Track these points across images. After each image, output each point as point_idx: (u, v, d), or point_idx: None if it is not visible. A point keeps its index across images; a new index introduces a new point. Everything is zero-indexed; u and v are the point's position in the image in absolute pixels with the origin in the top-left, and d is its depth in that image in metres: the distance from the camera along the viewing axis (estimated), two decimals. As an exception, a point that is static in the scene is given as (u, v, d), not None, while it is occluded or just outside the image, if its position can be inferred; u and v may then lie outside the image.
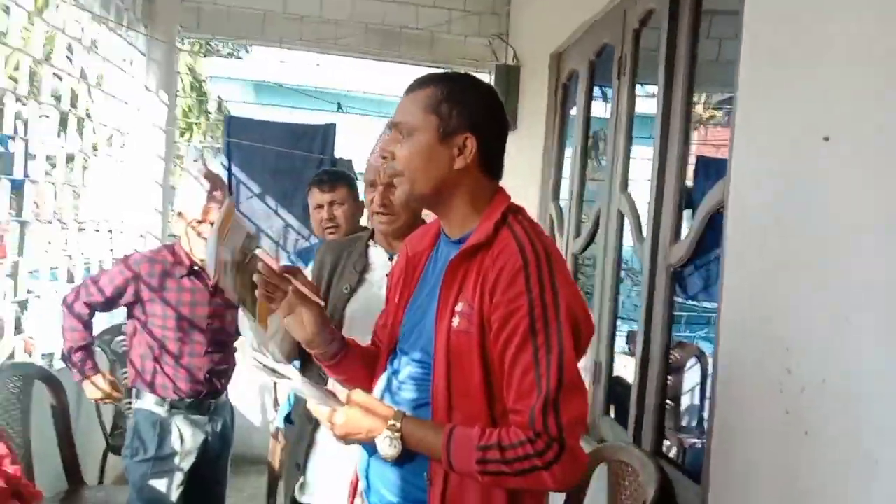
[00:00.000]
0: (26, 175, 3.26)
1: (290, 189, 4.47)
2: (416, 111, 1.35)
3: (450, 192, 1.37)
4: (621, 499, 2.22)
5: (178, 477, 2.60)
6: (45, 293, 3.34)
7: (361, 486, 1.47)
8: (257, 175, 4.48)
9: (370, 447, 1.37)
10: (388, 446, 1.29)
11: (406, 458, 1.31)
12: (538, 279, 1.25)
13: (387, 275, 1.65)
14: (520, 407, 1.24)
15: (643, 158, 2.85)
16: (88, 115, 3.75)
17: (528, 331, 1.23)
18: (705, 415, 4.59)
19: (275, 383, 4.03)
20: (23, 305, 3.26)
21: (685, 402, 4.56)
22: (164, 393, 2.61)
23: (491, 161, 1.38)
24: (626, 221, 2.64)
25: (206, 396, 2.67)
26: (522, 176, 3.75)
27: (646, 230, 2.40)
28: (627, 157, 2.66)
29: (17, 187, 3.49)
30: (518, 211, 1.38)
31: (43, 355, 3.27)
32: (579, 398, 1.25)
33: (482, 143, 1.35)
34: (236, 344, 2.84)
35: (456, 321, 1.31)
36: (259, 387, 4.48)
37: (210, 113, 8.57)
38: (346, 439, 1.34)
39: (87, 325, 2.68)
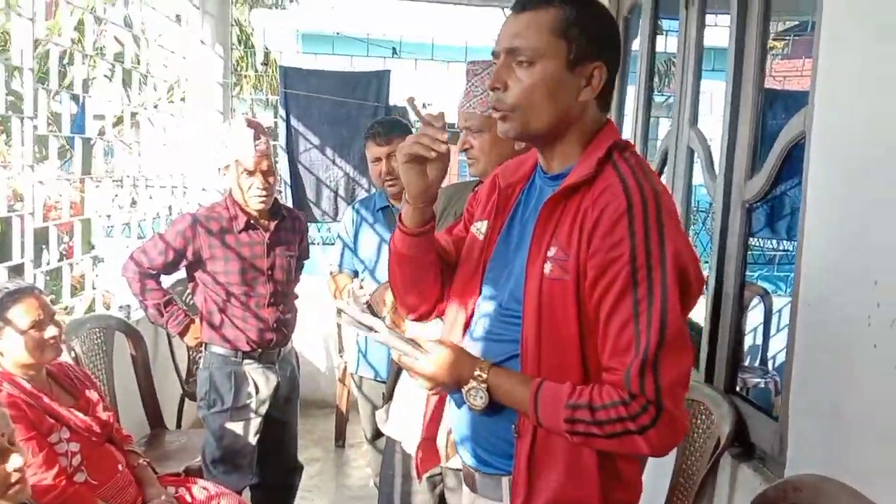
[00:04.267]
0: (94, 133, 3.33)
1: (347, 138, 4.47)
2: (540, 35, 1.17)
3: (565, 127, 1.22)
4: (694, 437, 2.22)
5: (255, 424, 2.66)
6: (116, 249, 3.43)
7: (453, 435, 1.41)
8: (314, 125, 4.48)
9: (458, 397, 1.30)
10: (474, 397, 1.22)
11: (494, 409, 1.23)
12: (643, 223, 1.10)
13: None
14: (615, 364, 1.12)
15: (705, 92, 2.77)
16: (149, 72, 3.79)
17: (628, 280, 1.10)
18: (769, 355, 4.54)
19: (338, 331, 4.15)
20: (95, 260, 3.36)
21: (747, 342, 4.48)
22: (235, 344, 2.63)
23: (607, 92, 1.23)
24: (696, 158, 2.58)
25: (275, 345, 2.71)
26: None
27: (718, 166, 2.34)
28: (697, 92, 2.57)
29: (86, 146, 3.58)
30: (625, 147, 1.23)
31: (120, 307, 3.38)
32: (682, 357, 1.12)
33: (607, 73, 1.20)
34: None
35: (548, 268, 1.18)
36: (323, 335, 4.59)
37: (262, 66, 8.58)
38: (432, 389, 1.29)
39: (159, 284, 2.70)
